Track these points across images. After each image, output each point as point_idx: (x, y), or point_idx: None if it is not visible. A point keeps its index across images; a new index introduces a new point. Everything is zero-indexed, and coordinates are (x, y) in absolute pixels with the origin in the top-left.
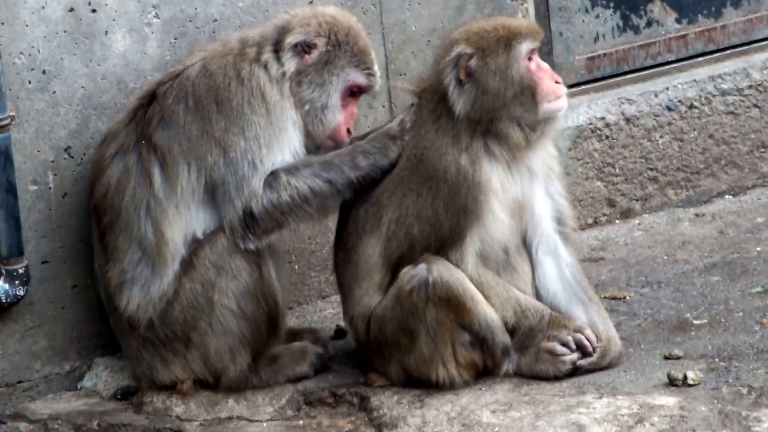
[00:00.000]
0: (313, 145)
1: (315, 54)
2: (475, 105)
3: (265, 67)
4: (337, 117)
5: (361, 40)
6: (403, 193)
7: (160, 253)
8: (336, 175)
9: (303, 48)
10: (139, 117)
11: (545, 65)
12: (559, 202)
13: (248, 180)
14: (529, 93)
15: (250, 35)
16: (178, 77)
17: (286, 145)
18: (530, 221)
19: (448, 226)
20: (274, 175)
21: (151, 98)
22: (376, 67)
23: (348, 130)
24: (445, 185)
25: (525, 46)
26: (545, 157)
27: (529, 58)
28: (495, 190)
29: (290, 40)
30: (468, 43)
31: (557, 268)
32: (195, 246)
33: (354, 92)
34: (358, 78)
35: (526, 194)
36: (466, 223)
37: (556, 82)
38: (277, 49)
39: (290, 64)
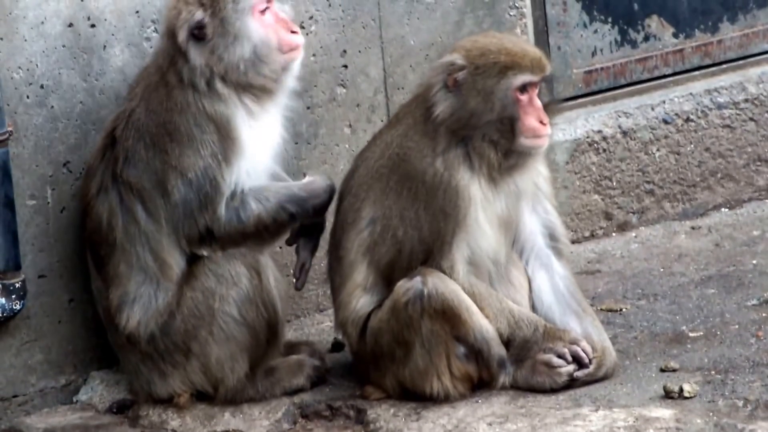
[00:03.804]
0: (276, 79)
1: (208, 27)
2: (454, 115)
3: (193, 86)
4: (271, 42)
5: None
6: (381, 190)
7: (164, 274)
8: (294, 203)
9: (197, 33)
10: (108, 156)
11: (538, 103)
12: (549, 219)
13: (211, 200)
14: (508, 123)
15: (159, 59)
16: (130, 118)
17: (242, 158)
18: (520, 237)
19: (428, 229)
20: (243, 203)
21: (112, 138)
22: None
23: (292, 32)
24: (423, 187)
25: (521, 79)
26: (534, 176)
27: (523, 91)
28: (475, 198)
29: (182, 39)
30: (466, 55)
31: (551, 281)
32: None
33: (262, 11)
34: (255, 1)
35: (511, 211)
36: (448, 227)
37: (542, 122)
38: (183, 53)
39: (198, 55)
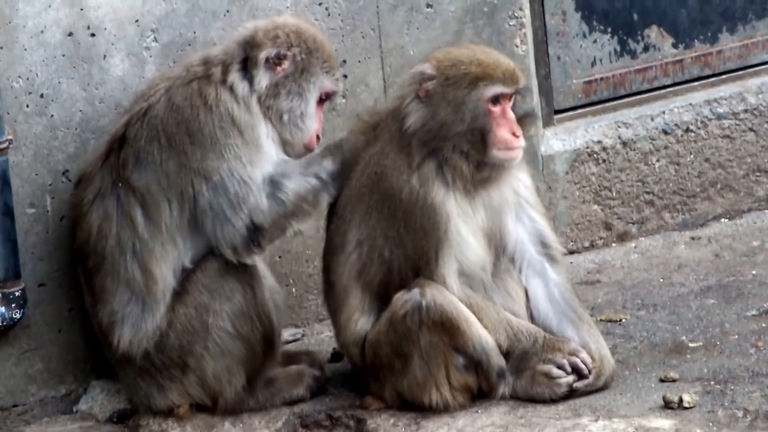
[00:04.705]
0: (292, 153)
1: (287, 64)
2: (425, 126)
3: (231, 88)
4: (314, 124)
5: (327, 46)
6: (364, 210)
7: (149, 292)
8: (318, 167)
9: (274, 61)
10: (113, 160)
11: (511, 115)
12: (536, 227)
13: (244, 198)
14: (479, 134)
15: (212, 54)
16: (146, 116)
17: (265, 161)
18: (507, 247)
19: (412, 246)
20: (275, 184)
21: (121, 141)
22: (339, 73)
23: (317, 137)
24: (401, 205)
25: (492, 90)
26: (514, 185)
27: (495, 102)
28: (452, 214)
29: (262, 55)
30: (437, 65)
31: (546, 289)
32: (186, 273)
33: (322, 99)
34: (329, 85)
35: (492, 223)
36: (430, 244)
37: (515, 135)
38: (246, 66)
39: (263, 79)
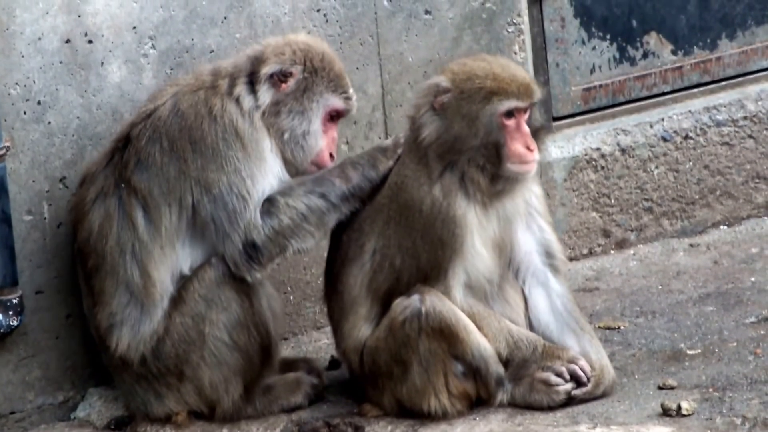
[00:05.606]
0: (296, 171)
1: (292, 82)
2: (440, 138)
3: (237, 101)
4: (320, 142)
5: (336, 65)
6: (383, 221)
7: (147, 294)
8: (328, 188)
9: (279, 78)
10: (116, 160)
11: (525, 129)
12: (544, 236)
13: (241, 213)
14: (493, 148)
15: (222, 66)
16: (150, 117)
17: (269, 173)
18: (515, 257)
19: (426, 258)
20: (270, 201)
21: (126, 140)
22: (351, 91)
23: (331, 155)
24: (421, 216)
25: (506, 105)
26: (527, 196)
27: (510, 116)
28: (471, 226)
29: (266, 70)
30: (453, 78)
31: (548, 299)
32: (183, 281)
33: (333, 117)
34: (336, 103)
35: (504, 234)
36: (445, 255)
37: (529, 149)
38: (252, 80)
39: (266, 95)
